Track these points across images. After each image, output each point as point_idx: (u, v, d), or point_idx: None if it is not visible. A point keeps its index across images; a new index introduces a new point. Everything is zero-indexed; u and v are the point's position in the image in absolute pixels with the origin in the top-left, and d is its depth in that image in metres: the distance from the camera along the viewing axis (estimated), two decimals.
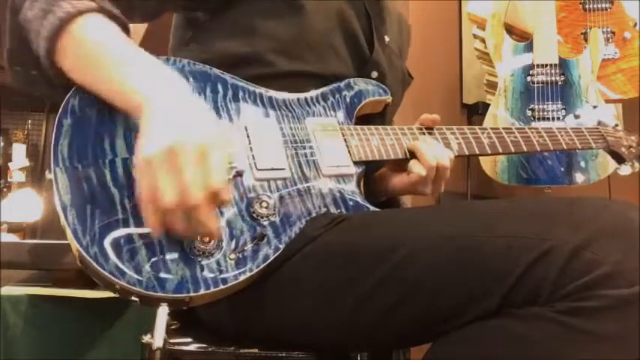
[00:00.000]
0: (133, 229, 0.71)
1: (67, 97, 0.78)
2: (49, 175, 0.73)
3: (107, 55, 0.75)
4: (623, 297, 0.55)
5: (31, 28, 0.78)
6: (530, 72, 2.08)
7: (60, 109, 0.77)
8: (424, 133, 0.96)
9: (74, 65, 0.77)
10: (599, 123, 1.16)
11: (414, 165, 0.91)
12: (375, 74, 0.99)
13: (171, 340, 0.80)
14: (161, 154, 0.64)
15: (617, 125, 1.17)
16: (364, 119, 0.96)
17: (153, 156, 0.65)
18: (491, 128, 1.00)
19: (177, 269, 0.70)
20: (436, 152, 0.91)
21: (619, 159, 1.16)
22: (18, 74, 0.83)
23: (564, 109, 2.04)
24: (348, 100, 0.94)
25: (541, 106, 2.05)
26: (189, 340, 0.83)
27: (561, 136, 1.04)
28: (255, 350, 0.80)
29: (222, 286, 0.71)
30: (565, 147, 1.03)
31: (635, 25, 2.25)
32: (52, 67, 0.78)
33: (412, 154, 0.92)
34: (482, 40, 2.27)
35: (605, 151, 1.14)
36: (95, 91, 0.76)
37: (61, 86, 0.79)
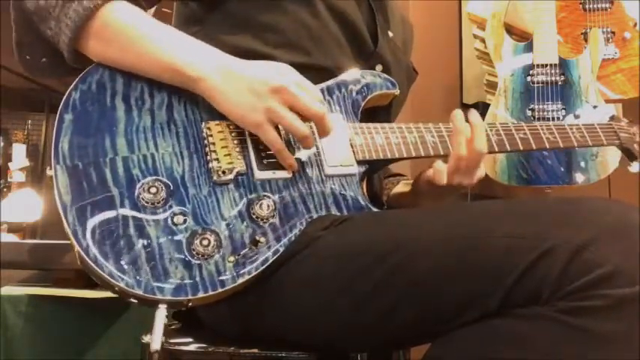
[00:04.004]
0: (133, 232, 0.71)
1: (68, 90, 0.78)
2: (49, 172, 0.73)
3: (148, 36, 0.80)
4: (624, 296, 0.55)
5: (43, 16, 0.80)
6: (530, 72, 2.08)
7: (61, 104, 0.77)
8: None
9: (109, 49, 0.80)
10: (612, 118, 1.11)
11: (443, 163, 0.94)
12: (379, 67, 0.98)
13: (171, 340, 0.80)
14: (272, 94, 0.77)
15: (631, 121, 1.12)
16: (369, 112, 0.95)
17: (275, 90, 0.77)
18: (500, 124, 0.97)
19: (177, 272, 0.70)
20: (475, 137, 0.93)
21: (631, 156, 1.12)
22: (28, 63, 0.86)
23: (564, 109, 2.03)
24: (354, 93, 0.93)
25: (541, 106, 2.05)
26: (189, 340, 0.82)
27: (572, 132, 1.00)
28: (255, 350, 0.80)
29: (220, 290, 0.71)
30: (576, 144, 0.99)
31: (635, 25, 2.24)
32: (74, 54, 0.81)
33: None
34: (483, 40, 2.26)
35: (617, 148, 1.09)
36: (136, 70, 0.81)
37: (74, 70, 0.82)
